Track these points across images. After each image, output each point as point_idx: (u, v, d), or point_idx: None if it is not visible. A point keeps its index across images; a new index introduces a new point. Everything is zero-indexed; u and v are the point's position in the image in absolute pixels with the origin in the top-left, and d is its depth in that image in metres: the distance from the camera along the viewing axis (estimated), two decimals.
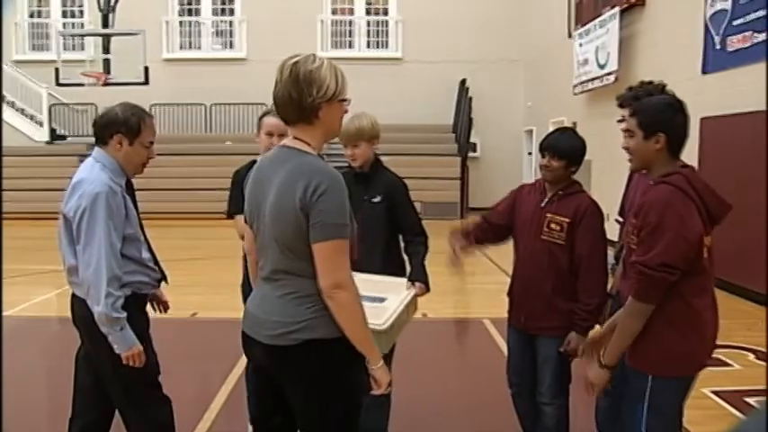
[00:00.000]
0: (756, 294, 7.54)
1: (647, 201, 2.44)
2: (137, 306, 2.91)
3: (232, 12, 19.68)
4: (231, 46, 19.62)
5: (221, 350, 5.61)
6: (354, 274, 2.26)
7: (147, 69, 15.13)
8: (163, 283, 3.17)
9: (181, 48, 19.55)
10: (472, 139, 18.26)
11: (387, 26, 19.58)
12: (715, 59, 8.82)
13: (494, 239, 3.43)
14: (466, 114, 17.64)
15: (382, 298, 2.92)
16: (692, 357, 2.50)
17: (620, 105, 2.58)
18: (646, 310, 2.37)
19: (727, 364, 5.43)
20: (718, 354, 5.62)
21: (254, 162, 3.71)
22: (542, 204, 3.20)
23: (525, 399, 3.43)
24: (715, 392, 4.76)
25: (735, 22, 8.32)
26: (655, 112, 2.47)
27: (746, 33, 8.07)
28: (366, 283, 2.52)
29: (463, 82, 18.26)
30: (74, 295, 2.90)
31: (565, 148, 3.12)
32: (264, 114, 3.66)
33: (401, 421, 3.84)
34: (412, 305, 3.09)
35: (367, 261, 2.87)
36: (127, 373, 2.80)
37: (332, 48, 19.30)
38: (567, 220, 3.11)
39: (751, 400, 4.60)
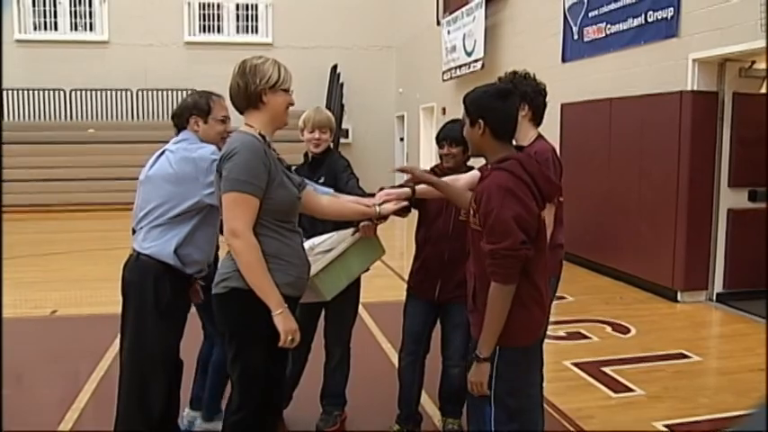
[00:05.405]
0: (613, 271, 8.03)
1: (485, 187, 2.53)
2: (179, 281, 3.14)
3: None
4: (92, 28, 18.54)
5: (85, 347, 5.36)
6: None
7: None
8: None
9: (35, 29, 18.26)
10: (344, 126, 18.31)
11: (257, 10, 19.09)
12: (573, 49, 9.26)
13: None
14: (338, 100, 17.64)
15: (330, 249, 3.21)
16: (537, 328, 2.65)
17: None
18: (511, 291, 2.45)
19: (586, 337, 5.76)
20: (578, 327, 5.98)
21: None
22: None
23: (417, 367, 3.68)
24: (575, 364, 5.02)
25: (590, 14, 8.77)
26: (472, 101, 2.60)
27: (601, 25, 8.52)
28: (321, 242, 3.02)
29: (335, 68, 18.20)
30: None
31: (459, 136, 3.29)
32: None
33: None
34: (364, 247, 3.31)
35: (322, 231, 3.39)
36: (145, 345, 3.08)
37: (200, 32, 18.68)
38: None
39: (607, 369, 4.89)
